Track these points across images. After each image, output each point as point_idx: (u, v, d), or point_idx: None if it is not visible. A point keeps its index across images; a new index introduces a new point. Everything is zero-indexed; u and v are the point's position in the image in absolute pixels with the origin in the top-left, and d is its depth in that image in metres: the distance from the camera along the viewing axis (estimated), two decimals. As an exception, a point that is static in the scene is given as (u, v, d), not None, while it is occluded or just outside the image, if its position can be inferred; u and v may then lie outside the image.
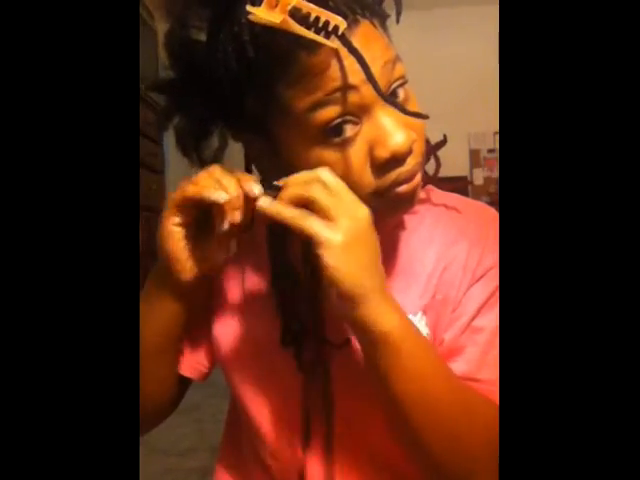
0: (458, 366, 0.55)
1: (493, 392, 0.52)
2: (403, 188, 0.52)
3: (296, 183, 0.49)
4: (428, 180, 0.62)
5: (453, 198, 0.65)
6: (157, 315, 0.57)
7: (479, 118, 3.52)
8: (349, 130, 0.50)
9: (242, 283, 0.63)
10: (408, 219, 0.62)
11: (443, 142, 0.62)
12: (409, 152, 0.51)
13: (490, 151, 3.98)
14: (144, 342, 0.56)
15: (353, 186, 0.50)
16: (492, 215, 0.63)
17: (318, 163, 0.51)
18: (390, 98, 0.50)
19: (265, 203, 0.49)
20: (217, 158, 0.57)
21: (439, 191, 0.65)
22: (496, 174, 3.92)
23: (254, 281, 0.62)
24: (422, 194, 0.64)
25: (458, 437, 0.51)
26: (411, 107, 0.53)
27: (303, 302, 0.58)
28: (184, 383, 0.64)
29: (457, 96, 3.58)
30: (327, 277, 0.47)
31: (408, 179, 0.52)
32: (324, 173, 0.49)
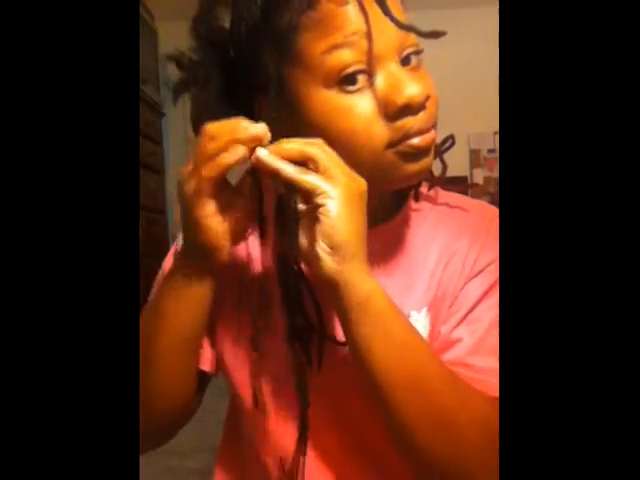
0: (451, 353, 0.55)
1: (478, 380, 0.52)
2: (417, 140, 0.52)
3: (296, 141, 0.50)
4: (433, 182, 0.63)
5: (456, 198, 0.65)
6: (185, 305, 0.56)
7: (479, 118, 3.52)
8: (363, 80, 0.51)
9: (246, 279, 0.63)
10: (414, 216, 0.62)
11: (451, 144, 0.62)
12: (422, 103, 0.52)
13: (490, 151, 3.98)
14: (171, 336, 0.56)
15: (366, 136, 0.51)
16: (493, 213, 0.63)
17: (331, 112, 0.52)
18: (406, 24, 0.51)
19: (263, 154, 0.49)
20: None
21: (443, 191, 0.66)
22: (496, 174, 3.92)
23: (258, 277, 0.62)
24: (428, 192, 0.64)
25: (444, 420, 0.50)
26: (424, 76, 0.54)
27: (308, 299, 0.57)
28: (203, 380, 0.63)
29: (457, 96, 3.58)
30: (325, 225, 0.48)
31: (422, 130, 0.52)
32: (322, 142, 0.50)
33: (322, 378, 0.59)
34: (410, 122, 0.52)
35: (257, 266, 0.63)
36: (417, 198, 0.63)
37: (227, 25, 0.53)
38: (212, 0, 0.54)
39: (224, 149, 0.49)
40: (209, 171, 0.49)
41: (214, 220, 0.51)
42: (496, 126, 0.45)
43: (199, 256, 0.53)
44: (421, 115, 0.52)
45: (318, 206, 0.47)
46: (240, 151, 0.49)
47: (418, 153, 0.53)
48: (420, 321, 0.58)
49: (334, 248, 0.48)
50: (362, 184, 0.49)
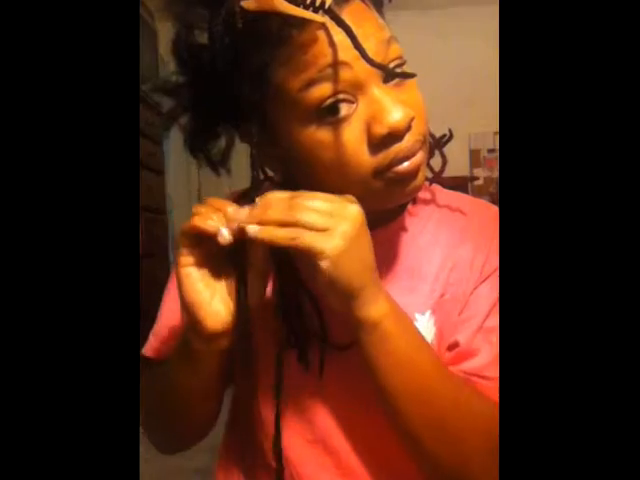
0: (470, 364, 0.56)
1: (494, 389, 0.52)
2: (404, 166, 0.51)
3: (276, 206, 0.48)
4: (434, 177, 0.62)
5: (457, 198, 0.64)
6: (196, 371, 0.55)
7: (479, 118, 3.52)
8: (344, 109, 0.50)
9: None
10: (413, 221, 0.62)
11: (449, 138, 0.61)
12: (407, 128, 0.50)
13: (490, 151, 3.97)
14: (194, 390, 0.57)
15: (352, 167, 0.50)
16: (495, 213, 0.62)
17: (314, 145, 0.51)
18: (377, 63, 0.49)
19: (254, 230, 0.48)
20: (224, 158, 0.56)
21: (443, 190, 0.65)
22: (496, 174, 3.91)
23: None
24: (427, 195, 0.64)
25: (448, 428, 0.51)
26: (410, 89, 0.52)
27: (307, 304, 0.57)
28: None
29: (457, 96, 3.58)
30: (324, 283, 0.48)
31: (408, 156, 0.51)
32: (301, 192, 0.48)
33: (324, 383, 0.58)
34: (395, 150, 0.50)
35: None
36: (414, 201, 0.62)
37: (206, 49, 0.51)
38: (188, 24, 0.52)
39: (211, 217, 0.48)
40: (187, 225, 0.49)
41: (193, 273, 0.49)
42: (496, 126, 0.45)
43: (195, 335, 0.51)
44: (407, 139, 0.51)
45: (317, 266, 0.47)
46: (223, 236, 0.48)
47: (406, 178, 0.52)
48: (424, 323, 0.58)
49: (338, 295, 0.49)
50: (354, 215, 0.48)
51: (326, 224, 0.47)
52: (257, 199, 0.49)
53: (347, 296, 0.49)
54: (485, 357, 0.56)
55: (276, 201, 0.49)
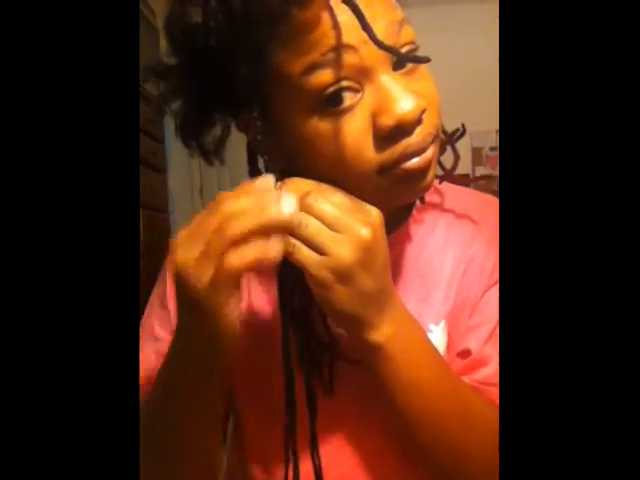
0: (483, 373, 0.54)
1: None
2: (413, 163, 0.46)
3: (283, 223, 0.43)
4: (445, 174, 0.59)
5: (466, 200, 0.62)
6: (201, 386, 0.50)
7: (481, 116, 3.51)
8: (349, 98, 0.45)
9: (253, 304, 0.60)
10: (419, 227, 0.59)
11: (462, 132, 0.59)
12: (418, 121, 0.46)
13: (492, 149, 3.97)
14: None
15: (354, 163, 0.46)
16: None
17: (315, 136, 0.46)
18: (387, 45, 0.44)
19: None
20: (218, 148, 0.52)
21: (451, 190, 0.62)
22: (498, 172, 3.91)
23: (266, 302, 0.59)
24: (434, 198, 0.60)
25: (464, 447, 0.50)
26: (423, 78, 0.48)
27: (318, 320, 0.55)
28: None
29: (459, 94, 3.57)
30: (320, 306, 0.46)
31: (418, 152, 0.46)
32: (317, 199, 0.44)
33: (339, 399, 0.56)
34: (404, 144, 0.46)
35: (266, 290, 0.59)
36: (422, 201, 0.60)
37: (200, 28, 0.46)
38: (183, 0, 0.48)
39: (254, 235, 0.41)
40: (237, 262, 0.41)
41: (233, 311, 0.43)
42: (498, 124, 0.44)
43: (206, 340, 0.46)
44: (417, 132, 0.46)
45: (312, 289, 0.44)
46: (279, 246, 0.42)
47: (415, 176, 0.47)
48: (438, 335, 0.56)
49: (333, 318, 0.48)
50: (367, 236, 0.43)
51: (326, 244, 0.43)
52: (278, 183, 0.45)
53: (343, 320, 0.46)
54: (496, 364, 0.54)
55: (290, 189, 0.45)
